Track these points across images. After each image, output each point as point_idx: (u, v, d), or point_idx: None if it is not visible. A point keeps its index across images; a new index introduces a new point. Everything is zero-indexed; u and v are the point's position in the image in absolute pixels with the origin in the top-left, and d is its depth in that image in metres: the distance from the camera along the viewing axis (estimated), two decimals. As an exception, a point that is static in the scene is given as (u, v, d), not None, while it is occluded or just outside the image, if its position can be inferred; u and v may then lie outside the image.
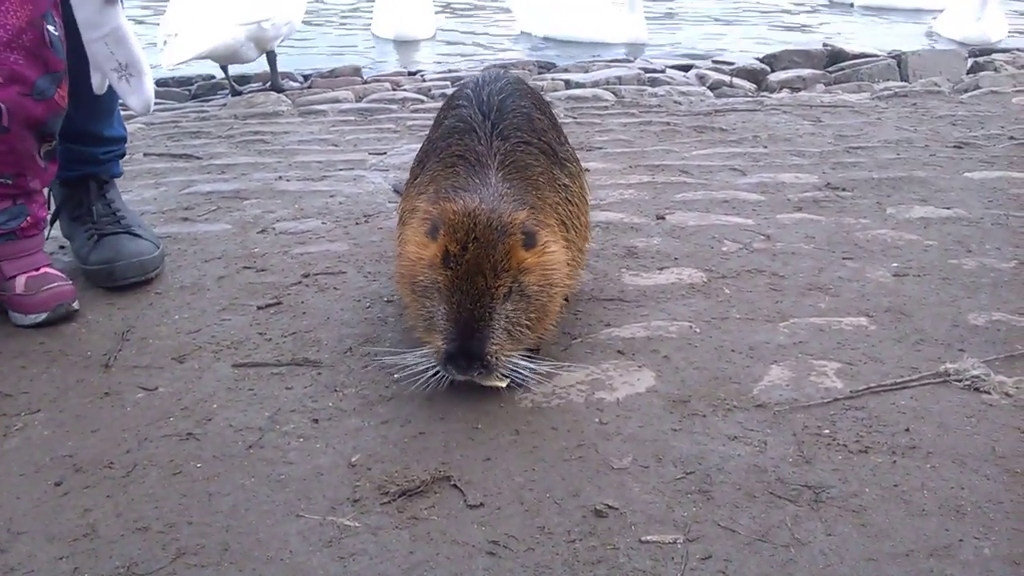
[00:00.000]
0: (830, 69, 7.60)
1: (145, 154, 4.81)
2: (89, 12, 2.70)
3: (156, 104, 6.55)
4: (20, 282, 2.67)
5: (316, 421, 2.15)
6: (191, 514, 1.84)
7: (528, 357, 2.23)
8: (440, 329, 2.15)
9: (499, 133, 2.46)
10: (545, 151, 2.54)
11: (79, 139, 3.04)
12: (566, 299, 2.46)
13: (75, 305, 2.72)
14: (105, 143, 3.14)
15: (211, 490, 1.91)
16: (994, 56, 7.77)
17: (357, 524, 1.79)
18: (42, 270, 2.72)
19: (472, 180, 2.33)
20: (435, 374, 2.19)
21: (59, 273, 2.76)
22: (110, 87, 2.81)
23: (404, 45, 10.24)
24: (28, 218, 2.72)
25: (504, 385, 2.23)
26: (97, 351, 2.51)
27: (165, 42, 6.45)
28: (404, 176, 2.85)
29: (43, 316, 2.65)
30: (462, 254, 2.11)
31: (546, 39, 10.26)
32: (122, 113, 3.29)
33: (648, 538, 1.74)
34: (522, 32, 10.72)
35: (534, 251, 2.18)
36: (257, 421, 2.16)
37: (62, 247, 3.22)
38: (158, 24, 6.90)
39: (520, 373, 2.21)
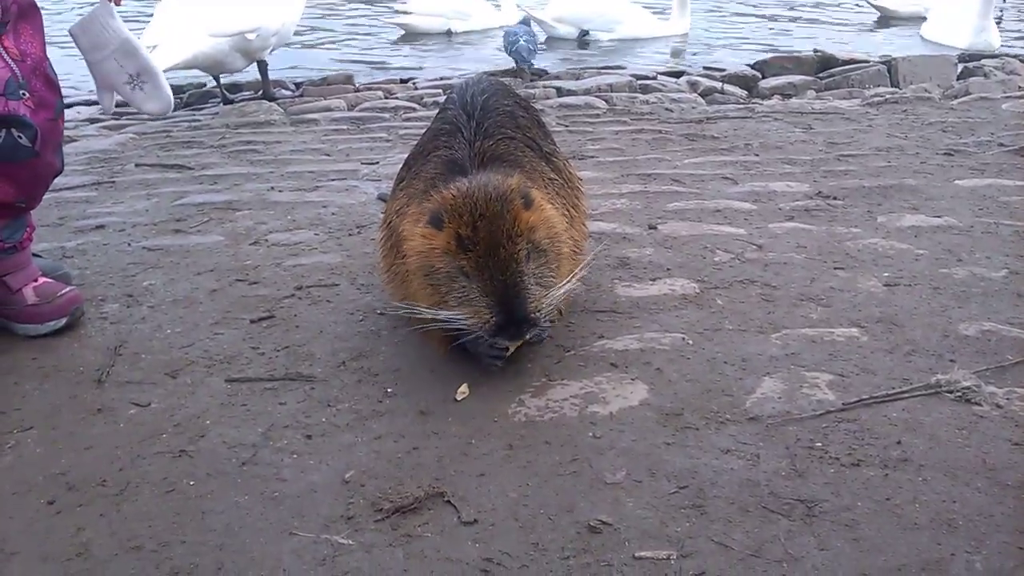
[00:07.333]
0: (821, 75, 7.64)
1: (137, 164, 4.79)
2: (95, 33, 2.73)
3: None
4: (29, 293, 2.68)
5: (309, 437, 2.15)
6: (185, 532, 1.83)
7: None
8: (481, 304, 2.20)
9: (484, 132, 2.54)
10: (530, 145, 2.64)
11: None
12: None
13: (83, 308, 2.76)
14: None
15: (204, 508, 1.91)
16: (984, 62, 7.82)
17: (351, 542, 1.79)
18: (40, 280, 2.73)
19: (459, 175, 2.39)
20: (477, 338, 2.26)
21: (53, 280, 2.78)
22: None
23: (397, 52, 10.24)
24: (28, 229, 2.74)
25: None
26: (90, 367, 2.51)
27: None
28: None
29: (63, 321, 2.68)
30: (475, 234, 2.18)
31: (586, 34, 10.59)
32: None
33: (642, 554, 1.74)
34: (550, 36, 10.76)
35: (534, 209, 2.27)
36: (250, 437, 2.16)
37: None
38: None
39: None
